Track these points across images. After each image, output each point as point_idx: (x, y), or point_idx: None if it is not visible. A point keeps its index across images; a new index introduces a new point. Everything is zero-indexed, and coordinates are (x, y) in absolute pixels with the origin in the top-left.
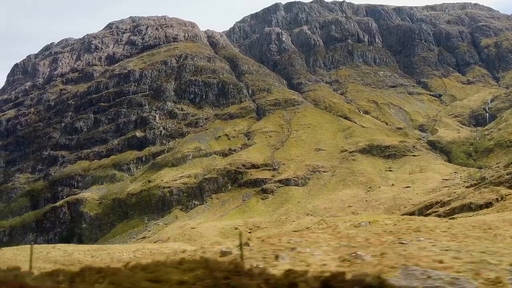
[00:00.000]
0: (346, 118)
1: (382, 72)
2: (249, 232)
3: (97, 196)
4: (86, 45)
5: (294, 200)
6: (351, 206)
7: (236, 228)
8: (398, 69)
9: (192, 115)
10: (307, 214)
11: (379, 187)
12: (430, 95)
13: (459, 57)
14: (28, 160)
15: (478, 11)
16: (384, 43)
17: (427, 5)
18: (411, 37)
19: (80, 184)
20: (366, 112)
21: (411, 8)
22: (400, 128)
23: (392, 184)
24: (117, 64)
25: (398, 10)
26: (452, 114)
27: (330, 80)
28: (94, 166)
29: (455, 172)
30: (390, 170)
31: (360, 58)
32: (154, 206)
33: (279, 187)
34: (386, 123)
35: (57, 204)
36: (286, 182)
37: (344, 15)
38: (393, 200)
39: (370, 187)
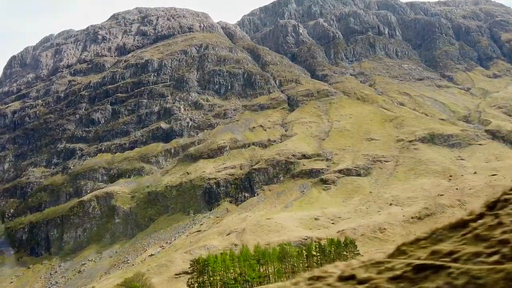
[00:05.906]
0: (384, 109)
1: (406, 65)
2: (332, 223)
3: (128, 189)
4: (91, 36)
5: (364, 190)
6: (442, 195)
7: (316, 219)
8: (420, 63)
9: (219, 106)
10: (390, 204)
11: (462, 175)
12: (459, 88)
13: (480, 51)
14: (41, 154)
15: (492, 6)
16: (402, 36)
17: (439, 1)
18: (431, 30)
19: (104, 177)
20: (401, 104)
21: (423, 3)
22: (443, 119)
23: (475, 172)
24: (130, 54)
25: (411, 5)
26: (494, 106)
27: (355, 72)
28: (119, 159)
29: None
30: (462, 159)
31: (382, 51)
32: (200, 198)
33: (340, 177)
34: (426, 114)
35: (85, 198)
36: (347, 172)
37: (359, 8)
38: (490, 188)
39: (450, 176)
